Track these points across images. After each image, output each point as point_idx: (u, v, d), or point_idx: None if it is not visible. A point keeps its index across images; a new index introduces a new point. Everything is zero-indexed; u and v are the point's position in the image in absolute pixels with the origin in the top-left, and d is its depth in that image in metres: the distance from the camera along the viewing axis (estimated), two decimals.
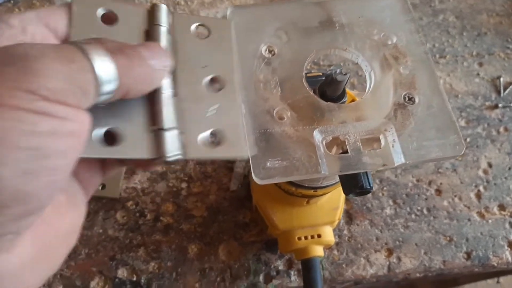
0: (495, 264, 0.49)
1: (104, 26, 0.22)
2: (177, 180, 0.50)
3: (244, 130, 0.24)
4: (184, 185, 0.50)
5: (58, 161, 0.15)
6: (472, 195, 0.52)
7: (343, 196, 0.44)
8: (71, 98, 0.16)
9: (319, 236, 0.42)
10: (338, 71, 0.27)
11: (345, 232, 0.49)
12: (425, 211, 0.51)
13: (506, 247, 0.50)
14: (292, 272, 0.47)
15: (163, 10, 0.24)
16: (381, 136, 0.26)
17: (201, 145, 0.22)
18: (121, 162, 0.24)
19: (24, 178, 0.14)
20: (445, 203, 0.52)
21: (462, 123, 0.57)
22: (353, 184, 0.26)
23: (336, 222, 0.43)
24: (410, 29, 0.29)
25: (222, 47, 0.25)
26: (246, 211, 0.49)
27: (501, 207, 0.52)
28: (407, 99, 0.27)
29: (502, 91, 0.59)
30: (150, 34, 0.23)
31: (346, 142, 0.26)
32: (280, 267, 0.47)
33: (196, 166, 0.51)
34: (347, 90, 0.30)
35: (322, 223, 0.42)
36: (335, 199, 0.43)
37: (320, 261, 0.46)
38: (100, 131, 0.20)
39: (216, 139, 0.23)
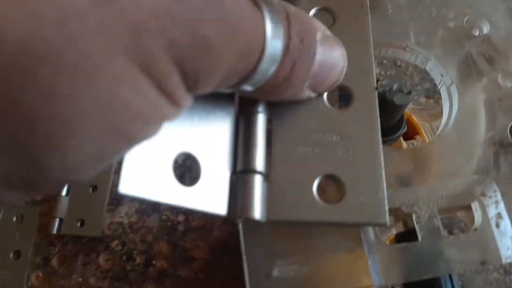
0: None
1: None
2: (172, 212, 0.41)
3: (384, 185, 0.14)
4: (181, 218, 0.41)
5: None
6: None
7: None
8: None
9: None
10: (395, 86, 0.16)
11: None
12: None
13: None
14: None
15: None
16: (473, 205, 0.15)
17: (306, 202, 0.14)
18: None
19: None
20: None
21: None
22: None
23: None
24: (511, 10, 0.18)
25: (352, 43, 0.15)
26: None
27: None
28: None
29: None
30: None
31: (414, 217, 0.15)
32: None
33: None
34: None
35: None
36: None
37: None
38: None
39: (338, 192, 0.14)
